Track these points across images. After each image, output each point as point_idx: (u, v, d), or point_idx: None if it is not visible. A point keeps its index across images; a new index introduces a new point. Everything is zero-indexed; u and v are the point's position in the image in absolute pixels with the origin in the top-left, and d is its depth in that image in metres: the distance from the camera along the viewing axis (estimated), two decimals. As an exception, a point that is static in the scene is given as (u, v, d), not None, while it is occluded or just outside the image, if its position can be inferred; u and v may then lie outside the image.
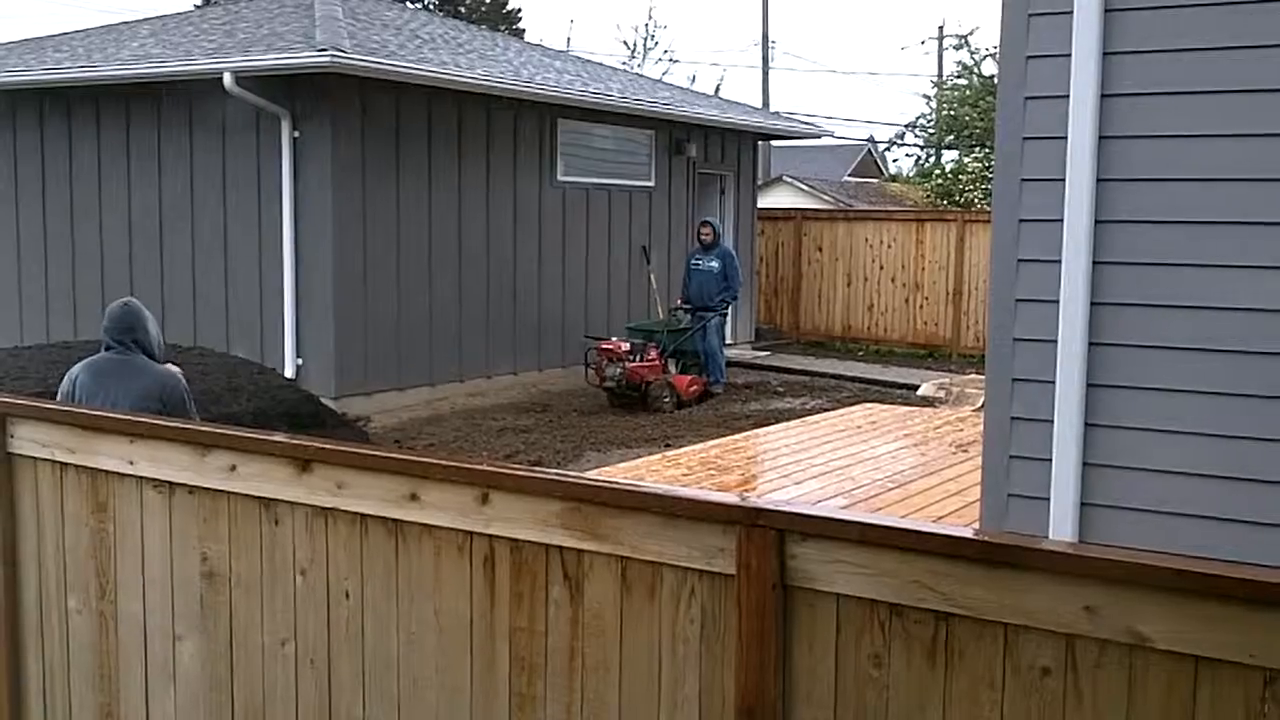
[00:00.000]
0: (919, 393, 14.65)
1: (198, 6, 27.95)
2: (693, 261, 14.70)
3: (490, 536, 3.03)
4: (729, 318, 15.62)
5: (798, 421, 11.56)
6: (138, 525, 3.69)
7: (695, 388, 13.77)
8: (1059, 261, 4.43)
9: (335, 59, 11.64)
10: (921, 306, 18.96)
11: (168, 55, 13.45)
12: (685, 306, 14.77)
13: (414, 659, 3.20)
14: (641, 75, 26.64)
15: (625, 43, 48.08)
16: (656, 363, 13.50)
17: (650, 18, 61.21)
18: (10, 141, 14.47)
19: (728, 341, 15.99)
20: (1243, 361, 4.24)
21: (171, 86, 12.96)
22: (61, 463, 3.83)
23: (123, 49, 14.39)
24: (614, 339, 13.70)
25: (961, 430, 10.72)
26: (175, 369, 5.57)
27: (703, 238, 14.67)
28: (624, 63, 35.60)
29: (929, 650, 2.50)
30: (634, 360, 13.31)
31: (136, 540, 3.69)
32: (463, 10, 34.52)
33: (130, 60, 13.45)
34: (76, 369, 5.43)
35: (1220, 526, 4.27)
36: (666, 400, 13.26)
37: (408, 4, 31.47)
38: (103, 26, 17.22)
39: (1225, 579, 2.22)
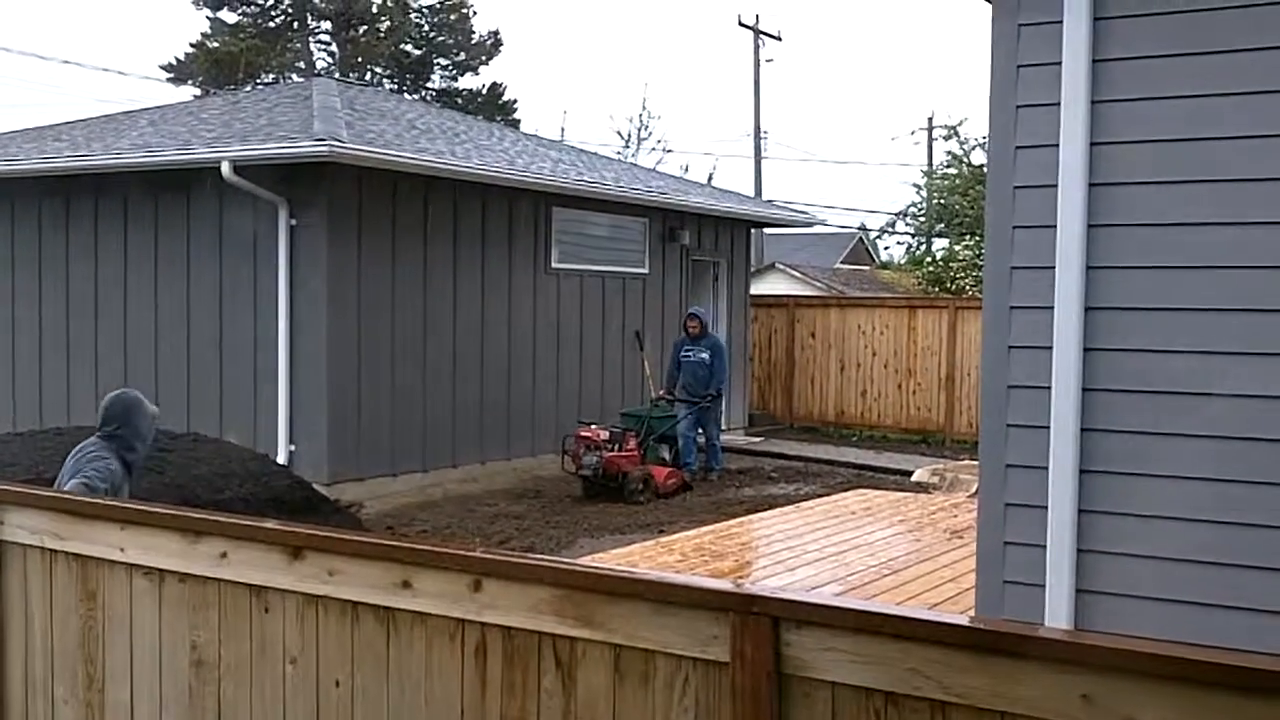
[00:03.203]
0: (913, 478, 14.60)
1: (197, 97, 28.34)
2: (682, 353, 14.64)
3: (482, 624, 3.01)
4: (722, 403, 15.58)
5: (792, 507, 11.51)
6: (127, 613, 3.65)
7: (673, 480, 13.41)
8: (1050, 348, 4.46)
9: (333, 149, 11.78)
10: (914, 392, 19.00)
11: (166, 144, 13.60)
12: (668, 398, 14.66)
13: (404, 750, 3.15)
14: (635, 164, 26.96)
15: (619, 133, 48.79)
16: (635, 453, 13.20)
17: (644, 108, 61.95)
18: (8, 229, 14.56)
19: (721, 427, 15.94)
20: (1237, 448, 4.25)
21: (169, 175, 13.09)
22: (51, 550, 3.80)
23: (122, 138, 14.56)
24: (593, 426, 13.43)
25: (956, 516, 10.67)
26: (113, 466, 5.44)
27: (690, 330, 14.62)
28: (618, 152, 36.02)
29: (926, 740, 2.47)
30: (612, 449, 12.99)
31: (125, 628, 3.66)
32: (459, 101, 35.04)
33: (129, 150, 13.59)
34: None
35: (1218, 613, 4.25)
36: (643, 493, 12.83)
37: (405, 95, 31.96)
38: (102, 116, 17.44)
39: (1224, 667, 2.21)
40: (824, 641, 2.56)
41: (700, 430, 14.67)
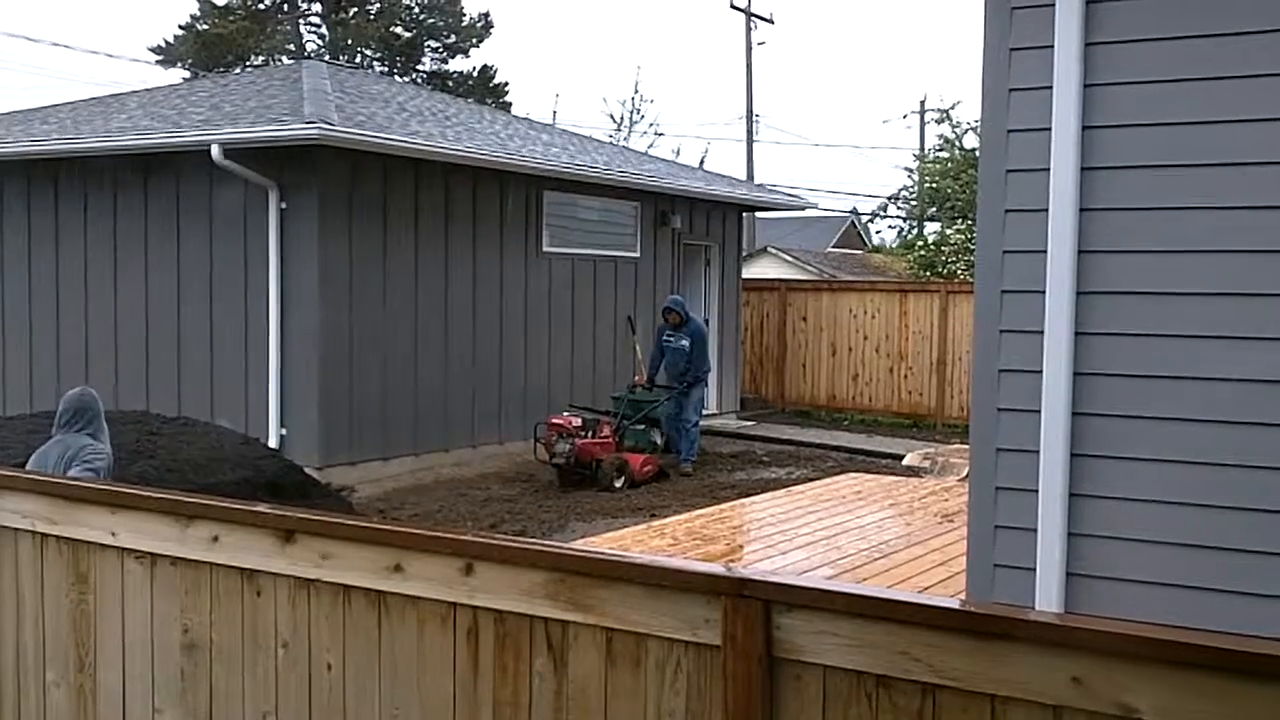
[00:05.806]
0: (904, 462, 14.64)
1: (186, 80, 28.19)
2: (664, 339, 14.48)
3: (474, 608, 3.01)
4: (711, 387, 15.50)
5: (783, 491, 11.54)
6: (119, 597, 3.65)
7: (649, 467, 13.16)
8: (1041, 332, 4.46)
9: (323, 131, 11.74)
10: (906, 376, 19.02)
11: (156, 127, 13.54)
12: (645, 384, 14.51)
13: (396, 733, 3.15)
14: (627, 148, 26.90)
15: (611, 116, 48.63)
16: (609, 440, 13.00)
17: (636, 91, 61.82)
18: (-3, 212, 14.52)
19: (713, 411, 15.90)
20: (1227, 432, 4.26)
21: (159, 158, 13.03)
22: (42, 534, 3.80)
23: (110, 121, 14.49)
24: (565, 413, 13.25)
25: (947, 500, 10.70)
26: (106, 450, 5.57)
27: (669, 321, 14.44)
28: (610, 135, 35.95)
29: (916, 722, 2.48)
30: (585, 436, 12.77)
31: (117, 612, 3.65)
32: (450, 84, 34.90)
33: (118, 132, 13.53)
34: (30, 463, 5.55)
35: (1208, 597, 4.26)
36: (618, 480, 12.59)
37: (395, 77, 31.84)
38: (91, 99, 17.34)
39: (1213, 650, 2.22)
40: (815, 625, 2.57)
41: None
